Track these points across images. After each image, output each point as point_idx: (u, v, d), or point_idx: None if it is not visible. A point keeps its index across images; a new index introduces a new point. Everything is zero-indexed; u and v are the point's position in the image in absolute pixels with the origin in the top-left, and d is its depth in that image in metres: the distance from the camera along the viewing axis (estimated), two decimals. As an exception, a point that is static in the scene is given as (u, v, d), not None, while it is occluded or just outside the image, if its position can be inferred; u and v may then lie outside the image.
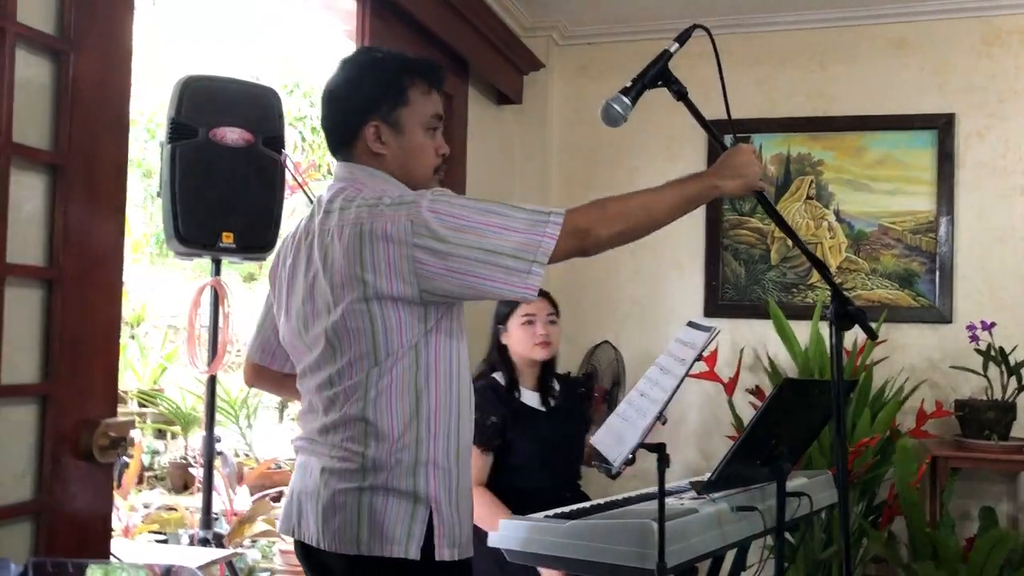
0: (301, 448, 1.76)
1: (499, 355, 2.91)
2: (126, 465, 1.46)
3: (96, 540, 1.60)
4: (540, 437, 2.81)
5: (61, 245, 1.52)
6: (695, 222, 4.27)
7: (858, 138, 4.10)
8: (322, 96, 1.80)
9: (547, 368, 2.95)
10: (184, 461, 4.39)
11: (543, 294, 2.92)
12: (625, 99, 1.78)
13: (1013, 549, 3.16)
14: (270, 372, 1.92)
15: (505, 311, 2.89)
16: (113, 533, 3.63)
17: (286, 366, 1.88)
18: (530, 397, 2.90)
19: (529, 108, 4.31)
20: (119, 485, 1.51)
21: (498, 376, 2.89)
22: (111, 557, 1.72)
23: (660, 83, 1.82)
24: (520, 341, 2.87)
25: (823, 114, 4.15)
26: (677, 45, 1.82)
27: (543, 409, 2.89)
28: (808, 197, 4.15)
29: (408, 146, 1.74)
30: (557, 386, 2.99)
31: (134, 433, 4.52)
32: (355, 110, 1.73)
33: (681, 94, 1.82)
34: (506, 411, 2.79)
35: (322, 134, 1.85)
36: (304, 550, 1.74)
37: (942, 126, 4.00)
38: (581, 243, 1.62)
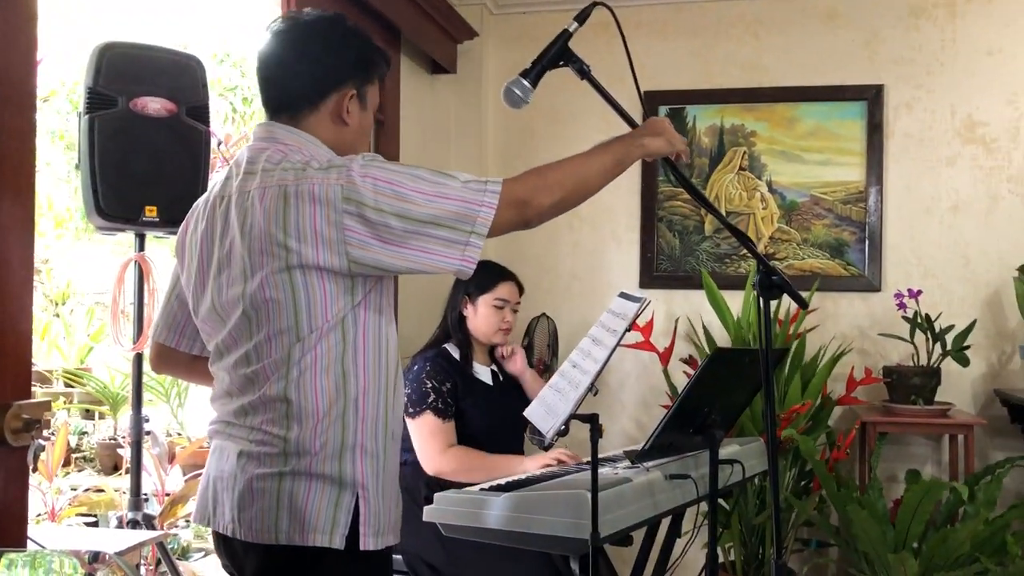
0: (216, 432, 1.67)
1: (457, 325, 2.89)
2: (42, 448, 1.40)
3: (12, 527, 1.54)
4: (489, 410, 2.82)
5: (-35, 220, 1.45)
6: (631, 194, 4.29)
7: (790, 109, 4.14)
8: (281, 43, 1.67)
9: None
10: (113, 441, 4.28)
11: (516, 282, 2.93)
12: (525, 82, 1.76)
13: (937, 507, 3.25)
14: (178, 354, 1.80)
15: (480, 287, 2.87)
16: (40, 517, 3.53)
17: (195, 347, 1.78)
18: (481, 371, 2.91)
19: (463, 78, 4.26)
20: (35, 469, 1.46)
21: (450, 347, 2.88)
22: (29, 543, 1.66)
23: (561, 63, 1.79)
24: (485, 322, 2.88)
25: (756, 85, 4.18)
26: (576, 24, 1.79)
27: (491, 383, 2.90)
28: (741, 168, 4.19)
29: (364, 124, 1.73)
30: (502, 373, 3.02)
31: (60, 414, 4.39)
32: (336, 72, 1.66)
33: (583, 72, 1.80)
34: (458, 381, 2.79)
35: (255, 105, 1.77)
36: (221, 541, 1.66)
37: (872, 97, 4.06)
38: (522, 214, 1.59)
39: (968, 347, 3.69)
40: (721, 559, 3.72)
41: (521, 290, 2.98)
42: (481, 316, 2.88)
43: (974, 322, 3.76)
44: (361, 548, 1.55)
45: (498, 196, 1.54)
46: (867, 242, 4.07)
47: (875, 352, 4.03)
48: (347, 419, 1.56)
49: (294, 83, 1.67)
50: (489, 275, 2.90)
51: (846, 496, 3.38)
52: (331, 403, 1.55)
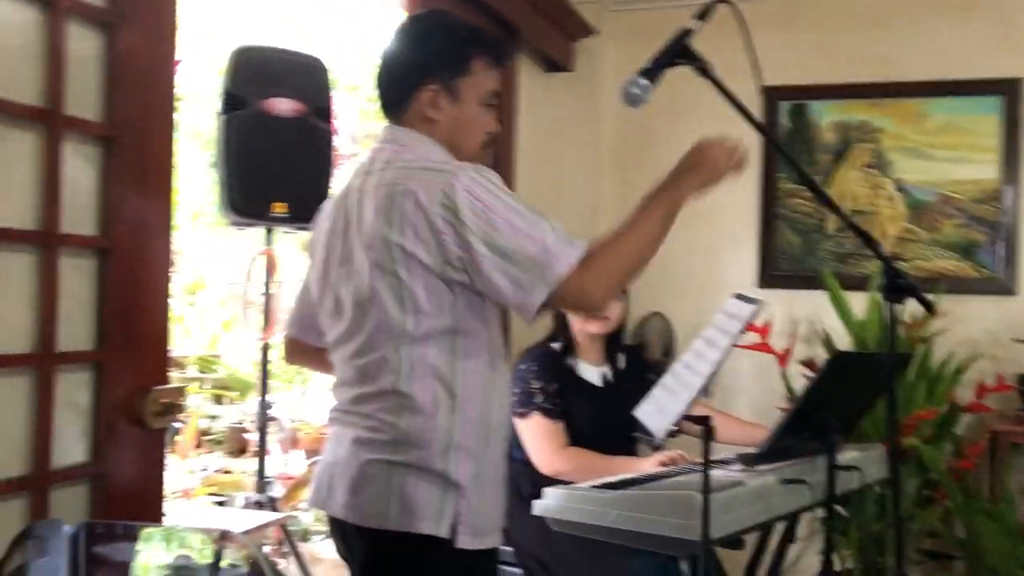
0: (334, 419, 1.72)
1: (558, 323, 2.89)
2: (177, 431, 1.50)
3: (149, 504, 1.65)
4: (596, 413, 2.77)
5: (113, 215, 1.56)
6: (749, 190, 4.20)
7: (920, 104, 3.98)
8: (381, 54, 1.74)
9: (612, 341, 2.91)
10: (240, 426, 4.48)
11: None
12: (643, 80, 1.74)
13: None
14: (308, 347, 1.88)
15: None
16: (174, 495, 3.74)
17: (323, 340, 1.82)
18: (587, 371, 2.86)
19: (580, 76, 4.26)
20: (172, 450, 1.56)
21: (556, 346, 2.87)
22: (164, 520, 1.77)
23: (681, 61, 1.77)
24: (575, 317, 2.83)
25: (883, 79, 4.03)
26: (698, 22, 1.77)
27: (600, 385, 2.86)
28: (866, 166, 4.05)
29: (462, 117, 1.69)
30: (623, 360, 2.95)
31: (192, 398, 4.63)
32: (414, 71, 1.68)
33: (703, 71, 1.77)
34: (565, 381, 2.77)
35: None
36: (335, 524, 1.71)
37: (1008, 91, 3.86)
38: (582, 303, 1.61)
39: (1111, 355, 3.48)
40: (837, 567, 3.62)
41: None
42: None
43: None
44: (457, 546, 1.57)
45: (578, 257, 1.54)
46: (1001, 242, 3.87)
47: (1008, 359, 3.83)
48: (454, 420, 1.59)
49: (384, 89, 1.72)
50: None
51: (974, 507, 3.24)
52: (437, 402, 1.58)
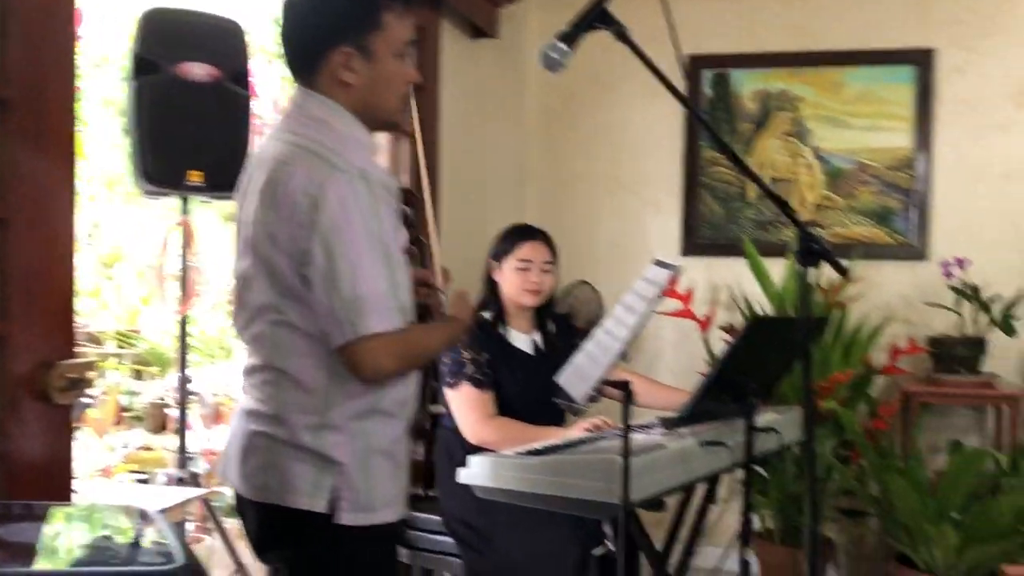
0: (240, 390, 1.72)
1: (490, 292, 2.87)
2: (86, 406, 1.46)
3: (56, 482, 1.60)
4: (527, 381, 2.78)
5: (8, 182, 1.49)
6: (672, 160, 4.24)
7: (837, 73, 4.06)
8: (283, 13, 1.65)
9: (541, 310, 2.90)
10: (161, 401, 4.39)
11: (544, 239, 2.87)
12: (562, 45, 1.73)
13: (980, 479, 3.21)
14: None
15: (503, 249, 2.84)
16: (93, 473, 3.65)
17: None
18: (518, 339, 2.85)
19: (505, 42, 4.23)
20: (79, 426, 1.51)
21: (487, 315, 2.86)
22: (77, 499, 1.72)
23: (599, 25, 1.76)
24: (511, 284, 2.82)
25: (803, 49, 4.09)
26: None
27: (531, 353, 2.86)
28: (786, 134, 4.12)
29: (379, 75, 1.62)
30: (553, 328, 2.96)
31: (111, 374, 4.50)
32: (322, 34, 1.59)
33: (621, 35, 1.77)
34: (495, 351, 2.77)
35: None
36: (236, 497, 1.70)
37: (922, 61, 3.96)
38: (365, 366, 1.56)
39: (1015, 317, 3.62)
40: (758, 526, 3.72)
41: (552, 250, 2.89)
42: (507, 279, 2.82)
43: (1022, 292, 3.69)
44: (337, 522, 1.57)
45: (388, 328, 1.54)
46: (914, 209, 3.99)
47: (920, 322, 3.96)
48: (330, 398, 1.57)
49: (293, 53, 1.65)
50: (511, 236, 2.85)
51: (886, 466, 3.36)
52: (314, 380, 1.57)
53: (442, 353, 1.79)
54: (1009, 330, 3.61)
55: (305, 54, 1.62)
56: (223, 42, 2.78)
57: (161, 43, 2.67)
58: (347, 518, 1.57)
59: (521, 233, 2.86)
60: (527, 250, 2.81)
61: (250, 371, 1.64)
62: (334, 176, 1.50)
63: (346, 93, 1.62)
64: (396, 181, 1.67)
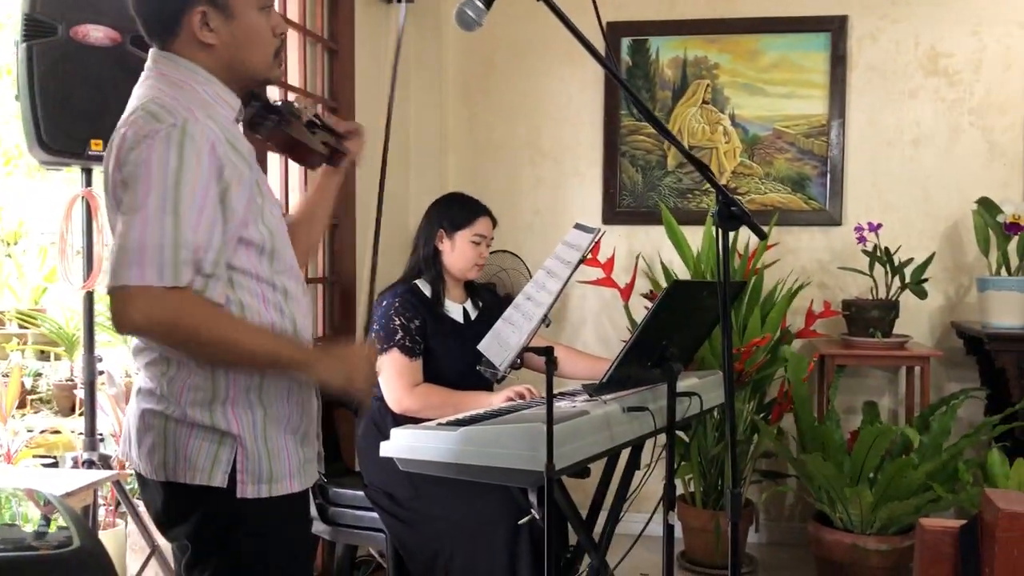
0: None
1: (431, 261, 2.83)
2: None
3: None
4: (459, 348, 2.76)
5: None
6: (593, 129, 4.23)
7: (754, 41, 4.09)
8: None
9: (471, 281, 2.92)
10: (69, 383, 4.23)
11: (491, 217, 2.87)
12: (478, 3, 1.68)
13: (893, 441, 3.30)
14: None
15: (460, 221, 2.81)
16: (-4, 459, 3.49)
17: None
18: (452, 308, 2.84)
19: (421, 6, 4.14)
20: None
21: (421, 283, 2.82)
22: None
23: None
24: (462, 257, 2.80)
25: (720, 16, 4.11)
26: None
27: (462, 321, 2.85)
28: (704, 102, 4.14)
29: (242, 32, 1.55)
30: (483, 296, 2.96)
31: (13, 355, 4.32)
32: None
33: None
34: (428, 319, 2.75)
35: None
36: (138, 477, 1.65)
37: (835, 28, 4.01)
38: (122, 309, 1.40)
39: (926, 280, 3.72)
40: (680, 491, 3.77)
41: (495, 224, 2.91)
42: (458, 251, 2.81)
43: (932, 255, 3.79)
44: (238, 495, 1.54)
45: (157, 284, 1.39)
46: (828, 176, 4.06)
47: (835, 286, 4.05)
48: (216, 371, 1.53)
49: (146, 15, 1.56)
50: (468, 210, 2.84)
51: (805, 428, 3.43)
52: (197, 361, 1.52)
53: (255, 370, 1.54)
54: (921, 293, 3.71)
55: (161, 19, 1.54)
56: (123, 3, 2.64)
57: (56, 3, 2.53)
58: (248, 491, 1.54)
59: (478, 208, 2.87)
60: (482, 225, 2.84)
61: (138, 351, 1.59)
62: (150, 129, 1.43)
63: (208, 55, 1.55)
64: (239, 136, 1.57)
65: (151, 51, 1.59)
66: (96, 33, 2.59)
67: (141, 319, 1.40)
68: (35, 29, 2.51)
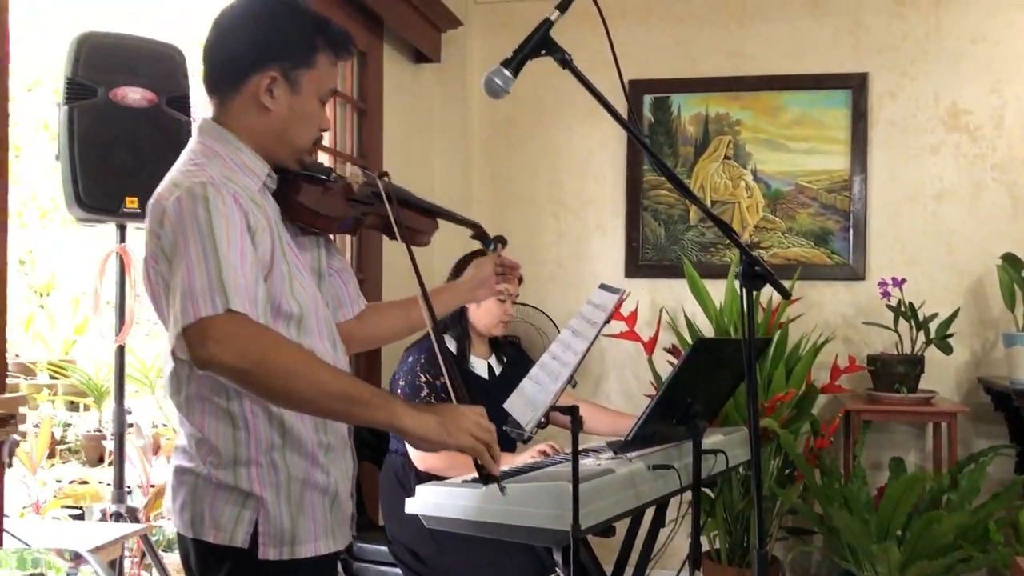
0: None
1: (457, 317, 2.85)
2: (17, 443, 1.40)
3: (-13, 522, 1.53)
4: (484, 404, 2.76)
5: (-64, 213, 1.43)
6: (616, 183, 4.28)
7: (775, 98, 4.14)
8: (217, 21, 1.61)
9: (496, 337, 2.94)
10: (98, 433, 4.27)
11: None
12: (506, 71, 1.72)
13: (921, 496, 3.26)
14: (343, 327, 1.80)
15: None
16: (24, 509, 3.52)
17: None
18: (477, 364, 2.87)
19: (447, 67, 4.24)
20: (10, 464, 1.45)
21: (446, 340, 2.83)
22: (7, 539, 1.65)
23: (543, 52, 1.76)
24: (488, 314, 2.83)
25: (741, 74, 4.17)
26: (558, 13, 1.76)
27: (487, 377, 2.86)
28: (726, 157, 4.18)
29: (299, 110, 1.60)
30: (508, 352, 2.98)
31: (44, 406, 4.37)
32: (254, 53, 1.56)
33: (565, 62, 1.77)
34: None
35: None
36: (177, 534, 1.67)
37: (856, 86, 4.05)
38: (198, 347, 1.39)
39: (952, 335, 3.70)
40: (706, 548, 3.74)
41: (520, 282, 2.93)
42: (484, 308, 2.83)
43: (957, 310, 3.78)
44: (260, 557, 1.54)
45: (221, 312, 1.39)
46: (851, 230, 4.07)
47: (859, 340, 4.04)
48: (237, 436, 1.54)
49: (216, 65, 1.60)
50: None
51: (829, 485, 3.40)
52: (218, 422, 1.54)
53: (326, 409, 1.48)
54: (946, 348, 3.69)
55: (233, 70, 1.59)
56: (160, 66, 2.74)
57: (96, 67, 2.62)
58: (269, 552, 1.54)
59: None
60: (510, 284, 2.84)
61: (178, 406, 1.61)
62: (175, 195, 1.46)
63: (261, 117, 1.59)
64: (259, 198, 1.59)
65: (200, 120, 1.63)
66: (134, 95, 2.67)
67: (213, 348, 1.38)
68: (76, 92, 2.60)
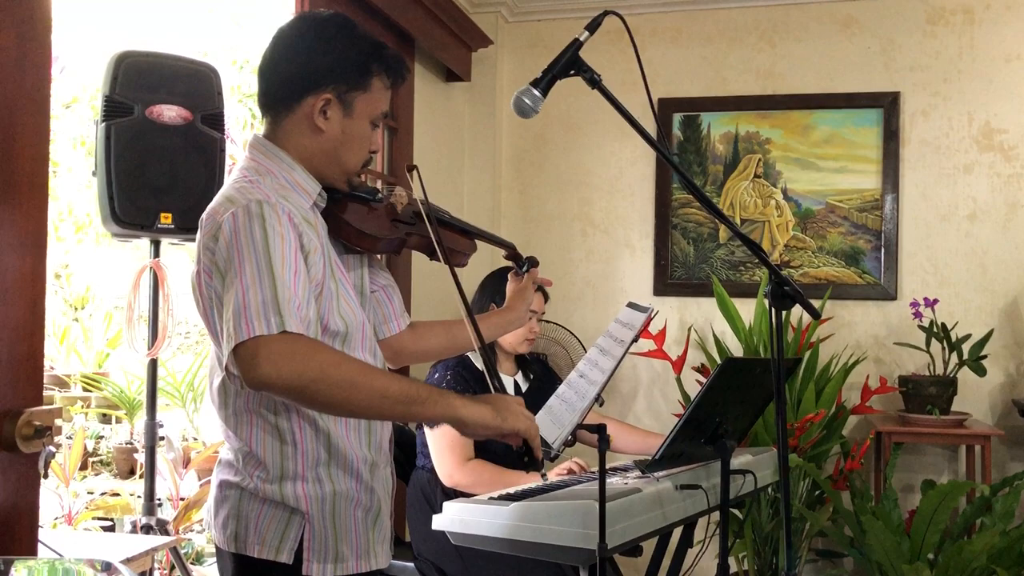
0: None
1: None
2: (53, 454, 1.42)
3: (24, 533, 1.55)
4: None
5: (-22, 228, 1.46)
6: (645, 201, 4.28)
7: (805, 116, 4.13)
8: (275, 40, 1.64)
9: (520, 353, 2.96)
10: (129, 446, 4.31)
11: (543, 292, 2.90)
12: (535, 91, 1.73)
13: (953, 518, 3.22)
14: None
15: None
16: (57, 520, 3.56)
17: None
18: (504, 382, 2.88)
19: (478, 85, 4.27)
20: (46, 475, 1.47)
21: (472, 357, 2.85)
22: (42, 549, 1.68)
23: (572, 72, 1.77)
24: (514, 333, 2.84)
25: (771, 92, 4.16)
26: (587, 33, 1.78)
27: (513, 394, 2.87)
28: (756, 176, 4.17)
29: (351, 132, 1.62)
30: (534, 370, 2.99)
31: (77, 418, 4.43)
32: (311, 74, 1.58)
33: (594, 82, 1.78)
34: (479, 391, 2.76)
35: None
36: (216, 548, 1.69)
37: (887, 105, 4.03)
38: (248, 364, 1.39)
39: (985, 357, 3.66)
40: (734, 569, 3.71)
41: (546, 298, 2.96)
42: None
43: (991, 332, 3.73)
44: (303, 573, 1.55)
45: (272, 332, 1.39)
46: (883, 250, 4.04)
47: (890, 361, 4.00)
48: (285, 451, 1.56)
49: (273, 83, 1.63)
50: None
51: (860, 507, 3.36)
52: (266, 436, 1.56)
53: (387, 413, 1.50)
54: (979, 370, 3.65)
55: (289, 89, 1.61)
56: (195, 84, 2.78)
57: (133, 85, 2.67)
58: (313, 569, 1.55)
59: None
60: (536, 301, 2.86)
61: (222, 419, 1.63)
62: (230, 211, 1.48)
63: (314, 137, 1.62)
64: (311, 217, 1.61)
65: (252, 137, 1.65)
66: (169, 112, 2.72)
67: (267, 368, 1.37)
68: (114, 109, 2.65)
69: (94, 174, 2.74)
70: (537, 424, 1.61)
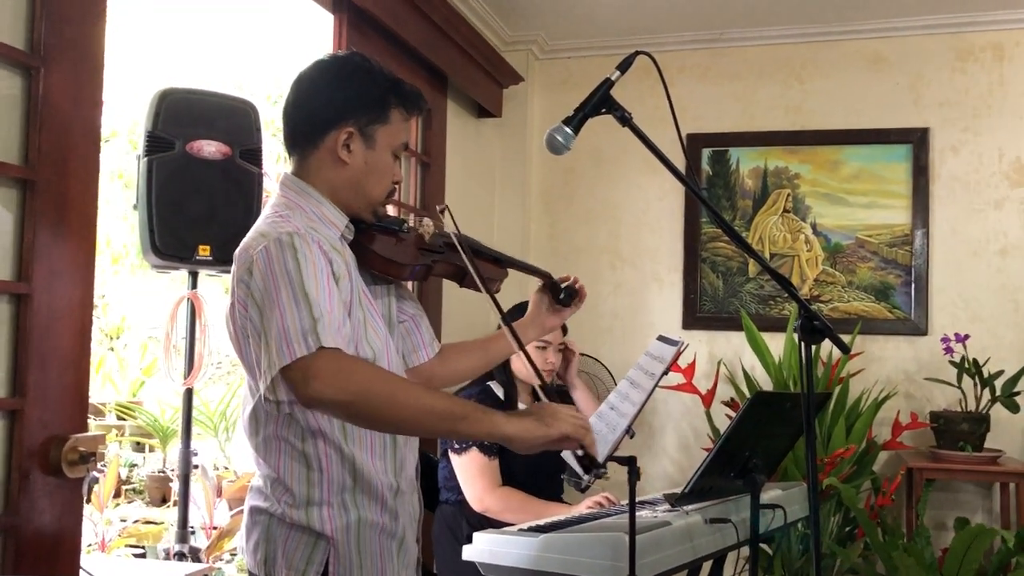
0: None
1: (501, 365, 2.89)
2: (96, 480, 1.46)
3: (65, 557, 1.60)
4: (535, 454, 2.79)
5: (31, 259, 1.52)
6: (673, 235, 4.30)
7: (835, 152, 4.14)
8: (296, 83, 1.72)
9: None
10: (162, 474, 4.37)
11: (563, 326, 2.92)
12: (567, 129, 1.77)
13: (988, 557, 3.17)
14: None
15: None
16: (91, 547, 3.61)
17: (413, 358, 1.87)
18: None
19: (509, 121, 4.33)
20: (88, 500, 1.51)
21: (494, 386, 2.88)
22: (81, 573, 1.72)
23: (604, 110, 1.81)
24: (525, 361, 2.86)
25: (800, 128, 4.19)
26: (619, 73, 1.82)
27: None
28: (785, 210, 4.19)
29: (373, 163, 1.69)
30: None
31: (111, 446, 4.50)
32: (333, 111, 1.66)
33: (625, 120, 1.82)
34: None
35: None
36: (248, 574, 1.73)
37: (917, 140, 4.04)
38: (300, 385, 1.44)
39: (1018, 393, 3.62)
40: (764, 605, 3.67)
41: (564, 331, 2.98)
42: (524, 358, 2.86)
43: (1024, 368, 3.70)
44: None
45: (311, 351, 1.43)
46: (913, 285, 4.03)
47: (921, 397, 3.97)
48: (311, 477, 1.60)
49: (297, 123, 1.70)
50: None
51: (892, 544, 3.32)
52: (293, 462, 1.60)
53: (431, 429, 1.54)
54: (1012, 407, 3.61)
55: (310, 127, 1.68)
56: (235, 120, 2.86)
57: (174, 121, 2.75)
58: None
59: None
60: (554, 332, 2.88)
61: (253, 447, 1.68)
62: (262, 245, 1.53)
63: (339, 170, 1.68)
64: (339, 247, 1.67)
65: (282, 175, 1.72)
66: (209, 148, 2.80)
67: (317, 385, 1.42)
68: (156, 145, 2.73)
69: (135, 207, 2.81)
70: (588, 424, 1.61)
